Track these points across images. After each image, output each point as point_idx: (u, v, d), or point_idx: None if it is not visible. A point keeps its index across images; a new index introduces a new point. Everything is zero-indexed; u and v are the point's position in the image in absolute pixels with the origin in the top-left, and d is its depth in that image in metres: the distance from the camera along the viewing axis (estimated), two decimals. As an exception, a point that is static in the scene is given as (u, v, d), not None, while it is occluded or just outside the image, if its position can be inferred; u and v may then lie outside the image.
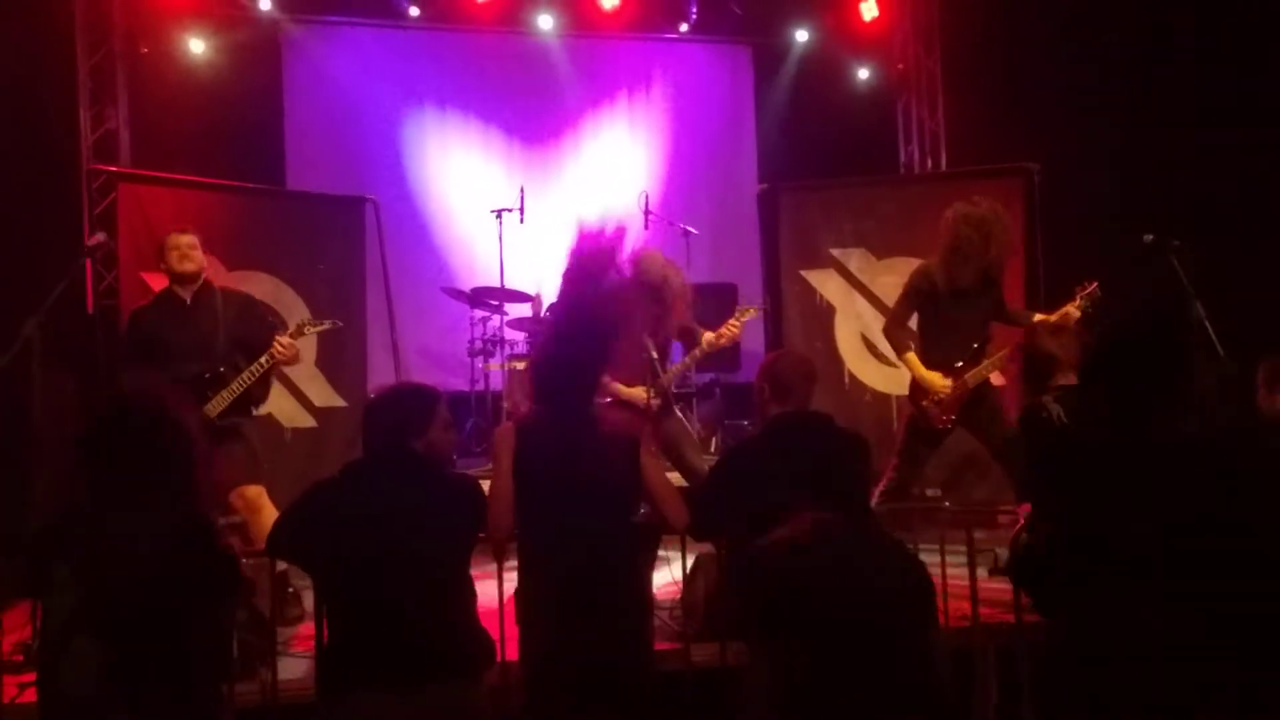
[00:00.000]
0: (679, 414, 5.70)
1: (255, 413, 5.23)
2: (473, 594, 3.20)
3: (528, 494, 3.38)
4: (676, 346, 5.73)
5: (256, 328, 5.16)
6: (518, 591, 3.43)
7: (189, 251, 5.09)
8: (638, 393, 5.31)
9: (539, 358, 3.64)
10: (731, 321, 5.51)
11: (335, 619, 3.13)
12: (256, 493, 5.00)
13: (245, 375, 4.95)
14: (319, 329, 5.29)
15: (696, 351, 5.52)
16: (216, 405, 4.91)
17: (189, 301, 5.07)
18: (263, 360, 4.95)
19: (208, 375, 4.94)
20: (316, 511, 3.16)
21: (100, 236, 5.39)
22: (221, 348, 5.01)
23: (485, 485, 3.41)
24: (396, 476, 3.13)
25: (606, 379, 5.29)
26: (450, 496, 3.19)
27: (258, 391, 5.12)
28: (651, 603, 3.62)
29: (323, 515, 3.13)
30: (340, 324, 5.57)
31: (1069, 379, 3.96)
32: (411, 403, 3.30)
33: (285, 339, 4.99)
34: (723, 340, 5.49)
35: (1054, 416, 3.82)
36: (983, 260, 5.30)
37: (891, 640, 2.55)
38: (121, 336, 5.40)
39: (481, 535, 3.36)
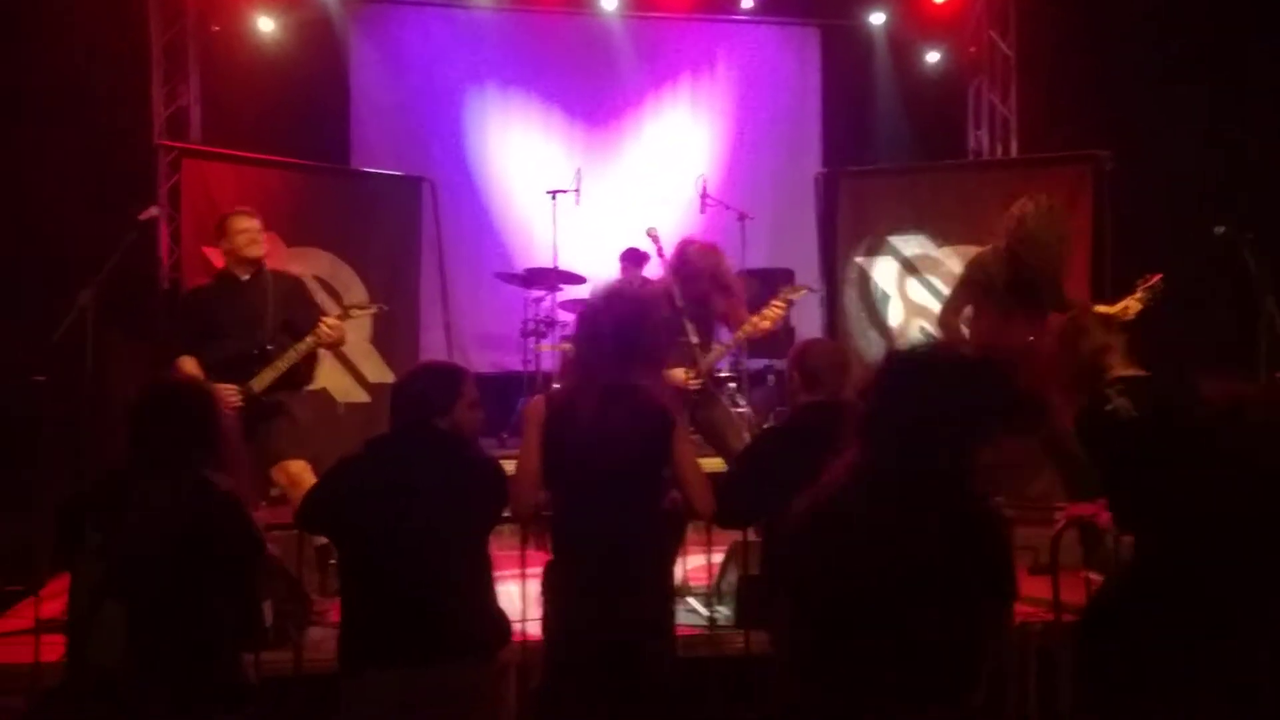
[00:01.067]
0: (725, 400, 5.66)
1: (304, 390, 5.33)
2: (489, 573, 3.20)
3: (555, 469, 3.37)
4: (726, 335, 5.67)
5: (304, 310, 5.23)
6: (547, 565, 3.45)
7: (258, 236, 5.17)
8: (676, 373, 5.27)
9: (576, 333, 3.63)
10: (775, 302, 5.39)
11: (353, 594, 3.15)
12: (300, 467, 5.08)
13: (291, 353, 5.03)
14: (366, 312, 5.35)
15: (739, 334, 5.44)
16: (261, 381, 4.99)
17: (244, 281, 5.16)
18: (308, 340, 5.02)
19: (255, 352, 5.02)
20: (339, 486, 3.20)
21: (153, 210, 5.49)
22: (270, 326, 5.08)
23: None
24: (418, 454, 3.14)
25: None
26: (471, 475, 3.18)
27: (304, 370, 5.21)
28: (673, 588, 3.60)
29: (345, 490, 3.17)
30: (386, 308, 5.61)
31: (1126, 369, 3.79)
32: (437, 381, 3.29)
33: (332, 320, 5.06)
34: (765, 323, 5.36)
35: (1121, 410, 3.61)
36: (1048, 258, 5.18)
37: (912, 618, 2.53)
38: (177, 311, 5.48)
39: (507, 513, 3.37)
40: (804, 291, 5.69)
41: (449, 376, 3.32)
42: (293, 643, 4.05)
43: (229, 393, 4.88)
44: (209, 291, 5.25)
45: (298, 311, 5.19)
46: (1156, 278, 5.15)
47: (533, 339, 7.71)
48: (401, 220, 7.28)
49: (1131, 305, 5.15)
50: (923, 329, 7.31)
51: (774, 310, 5.36)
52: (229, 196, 6.81)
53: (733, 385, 7.57)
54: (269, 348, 5.04)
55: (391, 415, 3.27)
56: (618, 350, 3.37)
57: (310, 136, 8.10)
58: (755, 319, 5.37)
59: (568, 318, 7.81)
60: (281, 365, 5.04)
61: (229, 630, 2.98)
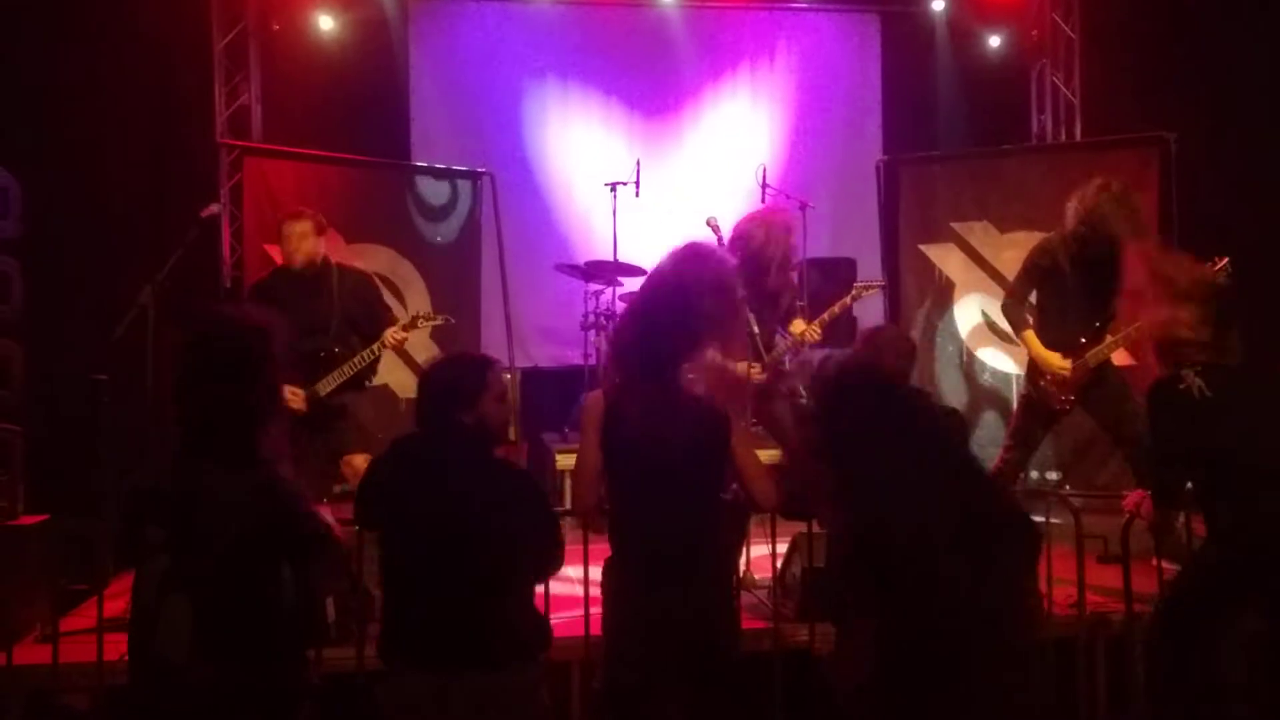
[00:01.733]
0: (789, 392, 5.58)
1: (368, 385, 5.38)
2: (525, 575, 3.10)
3: (615, 465, 3.32)
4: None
5: (370, 308, 5.27)
6: (606, 562, 3.42)
7: (299, 243, 5.20)
8: (739, 366, 5.21)
9: (618, 329, 3.59)
10: (843, 301, 5.55)
11: (389, 592, 3.14)
12: (365, 460, 5.12)
13: (356, 359, 5.10)
14: (433, 323, 5.37)
15: (803, 333, 5.40)
16: (326, 385, 5.07)
17: (306, 278, 5.19)
18: (374, 348, 5.08)
19: (321, 354, 5.08)
20: (372, 485, 3.18)
21: (215, 208, 5.55)
22: (335, 327, 5.14)
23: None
24: (441, 451, 3.07)
25: (710, 351, 5.17)
26: (493, 475, 3.10)
27: (367, 370, 5.26)
28: (737, 581, 3.56)
29: (373, 489, 3.16)
30: (453, 320, 5.62)
31: (1209, 356, 3.73)
32: (462, 372, 3.17)
33: (398, 332, 5.13)
34: (824, 323, 5.44)
35: (1193, 389, 3.61)
36: (1119, 238, 5.05)
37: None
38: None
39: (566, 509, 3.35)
40: (875, 290, 5.66)
41: (475, 368, 3.20)
42: (355, 639, 4.07)
43: (293, 395, 4.94)
44: (268, 288, 5.28)
45: (363, 310, 5.24)
46: (1224, 262, 5.04)
47: (593, 332, 7.70)
48: (462, 214, 7.30)
49: None
50: (985, 315, 7.21)
51: (835, 310, 5.48)
52: (289, 193, 6.90)
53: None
54: (336, 350, 5.09)
55: (417, 409, 3.18)
56: (659, 350, 3.23)
57: (370, 133, 8.16)
58: (814, 324, 5.43)
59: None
60: (347, 370, 5.10)
61: (290, 625, 2.95)
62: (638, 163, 7.50)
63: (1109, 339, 5.09)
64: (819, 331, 5.43)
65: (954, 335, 7.28)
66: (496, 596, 2.99)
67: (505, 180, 7.70)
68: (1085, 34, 8.32)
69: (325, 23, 8.14)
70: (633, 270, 7.67)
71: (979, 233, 7.27)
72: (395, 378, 7.02)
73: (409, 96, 8.57)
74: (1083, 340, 5.14)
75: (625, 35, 8.86)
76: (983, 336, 7.19)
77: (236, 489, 2.87)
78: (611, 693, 3.31)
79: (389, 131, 8.40)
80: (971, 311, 7.27)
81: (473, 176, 7.41)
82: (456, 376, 3.14)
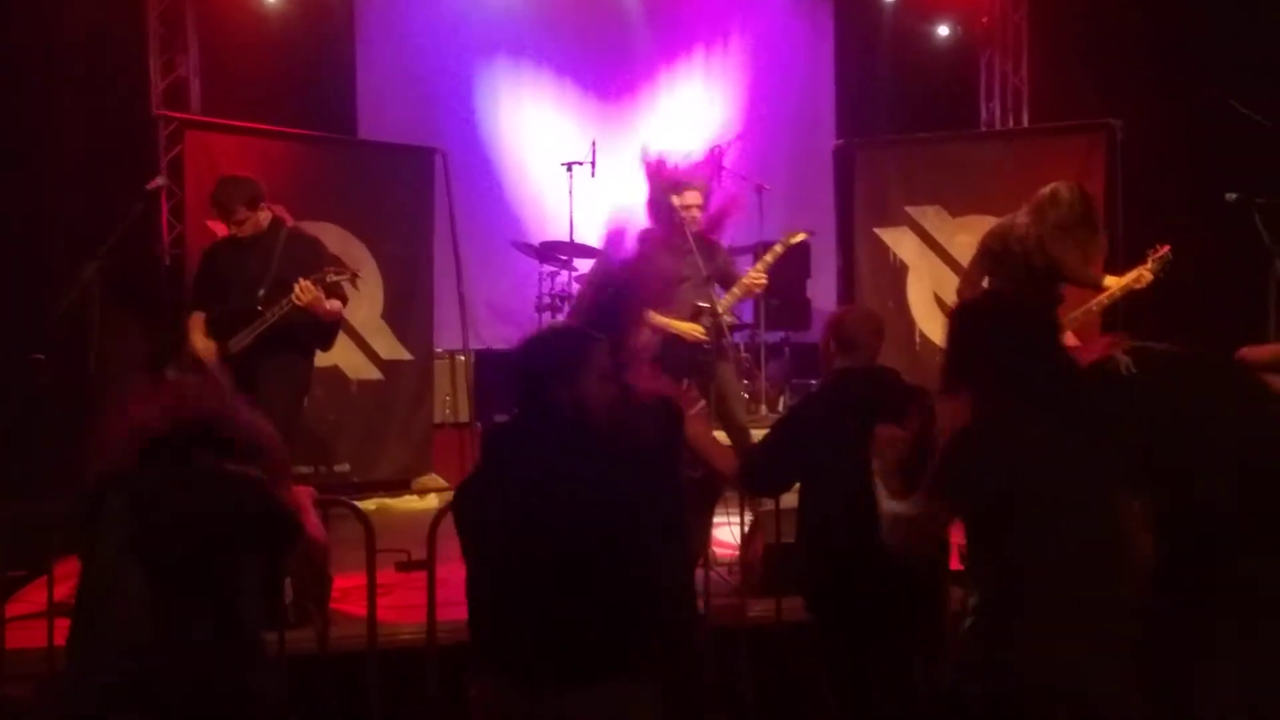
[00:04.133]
0: (734, 364, 5.64)
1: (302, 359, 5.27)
2: (627, 576, 2.64)
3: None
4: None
5: (309, 270, 5.05)
6: None
7: (240, 224, 5.13)
8: (688, 326, 5.24)
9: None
10: (775, 247, 5.50)
11: (470, 593, 2.81)
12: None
13: (268, 314, 4.95)
14: (340, 279, 5.21)
15: (737, 289, 5.45)
16: (239, 341, 4.98)
17: (248, 240, 5.11)
18: (283, 302, 4.92)
19: (239, 310, 4.99)
20: (467, 486, 2.89)
21: (159, 181, 5.39)
22: (266, 286, 5.01)
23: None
24: (536, 439, 2.73)
25: (651, 315, 4.92)
26: (598, 463, 2.69)
27: (311, 337, 5.17)
28: (695, 556, 3.50)
29: (470, 481, 2.88)
30: (359, 274, 5.45)
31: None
32: (559, 347, 2.84)
33: (304, 282, 4.93)
34: (763, 270, 5.45)
35: (1123, 366, 3.70)
36: (1069, 248, 5.09)
37: None
38: (198, 266, 5.47)
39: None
40: (801, 236, 5.70)
41: (574, 341, 2.86)
42: (314, 622, 3.98)
43: (205, 349, 5.01)
44: (221, 247, 5.28)
45: (300, 272, 5.03)
46: (1165, 249, 5.13)
47: (548, 313, 7.61)
48: (413, 193, 7.16)
49: (1144, 275, 5.14)
50: (937, 297, 7.25)
51: (775, 252, 5.49)
52: (234, 169, 6.68)
53: (747, 356, 7.53)
54: (259, 309, 4.97)
55: (516, 389, 2.81)
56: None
57: (315, 107, 7.98)
58: (758, 267, 5.50)
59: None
60: (258, 326, 4.96)
61: (253, 608, 2.86)
62: (593, 143, 7.43)
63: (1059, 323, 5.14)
64: (763, 276, 5.44)
65: (906, 317, 7.31)
66: (604, 602, 2.59)
67: (457, 159, 7.55)
68: (1033, 22, 8.42)
69: (267, -10, 7.93)
70: (589, 251, 7.60)
71: (932, 217, 7.30)
72: (345, 359, 6.88)
73: (355, 71, 8.41)
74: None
75: (579, 14, 8.79)
76: (935, 318, 7.22)
77: (202, 475, 2.81)
78: None
79: (335, 107, 8.23)
80: (924, 294, 7.31)
81: (424, 154, 7.26)
82: (553, 351, 2.81)
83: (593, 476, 2.63)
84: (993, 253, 5.29)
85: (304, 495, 3.24)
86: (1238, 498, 3.00)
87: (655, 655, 2.66)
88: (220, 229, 6.57)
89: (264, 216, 5.16)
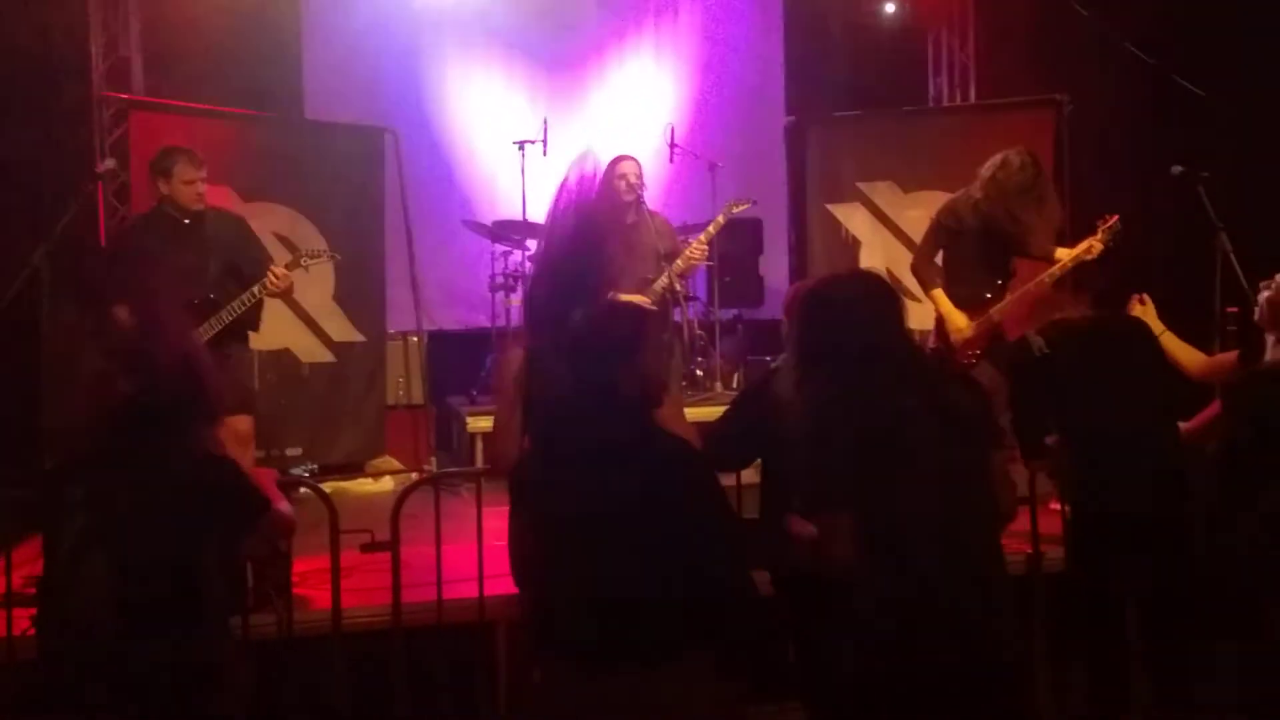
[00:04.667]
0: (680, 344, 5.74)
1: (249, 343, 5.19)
2: (693, 553, 2.57)
3: (536, 424, 3.24)
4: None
5: (248, 253, 5.02)
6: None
7: (203, 189, 4.98)
8: (638, 298, 5.34)
9: (531, 286, 3.37)
10: (718, 218, 5.73)
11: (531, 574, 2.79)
12: (247, 424, 4.91)
13: (236, 304, 4.84)
14: (315, 262, 5.15)
15: (680, 261, 5.58)
16: (205, 332, 4.78)
17: (186, 223, 4.93)
18: (254, 290, 4.83)
19: (197, 301, 4.79)
20: (529, 455, 2.89)
21: (109, 163, 5.29)
22: (213, 273, 4.88)
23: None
24: (591, 415, 2.68)
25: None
26: (659, 439, 2.68)
27: (251, 318, 5.03)
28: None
29: (528, 463, 2.86)
30: (338, 256, 5.40)
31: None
32: (614, 322, 2.80)
33: (280, 270, 4.86)
34: (705, 241, 5.64)
35: (1035, 348, 3.86)
36: (1017, 215, 5.16)
37: None
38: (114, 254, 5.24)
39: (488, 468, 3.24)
40: (744, 205, 5.86)
41: (630, 316, 2.85)
42: (275, 606, 3.95)
43: None
44: (146, 234, 4.98)
45: (242, 254, 4.98)
46: (1114, 219, 5.21)
47: (501, 293, 7.59)
48: (363, 173, 7.09)
49: (1094, 245, 5.21)
50: (890, 272, 7.31)
51: (716, 225, 5.75)
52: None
53: (701, 334, 7.56)
54: (211, 296, 4.82)
55: (569, 367, 2.76)
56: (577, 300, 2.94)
57: (261, 87, 7.78)
58: (700, 238, 5.68)
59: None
60: (226, 316, 4.85)
61: (215, 592, 2.83)
62: (545, 121, 7.40)
63: (1010, 296, 5.23)
64: (704, 246, 5.63)
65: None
66: (662, 582, 2.54)
67: (407, 138, 7.47)
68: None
69: (210, -31, 7.77)
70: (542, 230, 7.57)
71: (884, 192, 7.37)
72: (297, 341, 6.83)
73: (302, 50, 8.26)
74: (988, 296, 5.25)
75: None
76: (889, 294, 7.30)
77: (165, 454, 2.76)
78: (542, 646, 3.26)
79: (281, 86, 8.06)
80: (877, 269, 7.36)
81: (374, 133, 7.19)
82: (609, 327, 2.78)
83: (660, 452, 2.64)
84: (946, 227, 5.36)
85: (266, 478, 3.22)
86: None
87: (718, 636, 2.61)
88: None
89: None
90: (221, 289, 4.88)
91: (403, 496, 3.74)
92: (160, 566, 2.70)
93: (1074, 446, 3.91)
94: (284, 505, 3.11)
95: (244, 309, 4.86)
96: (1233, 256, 5.29)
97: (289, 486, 3.71)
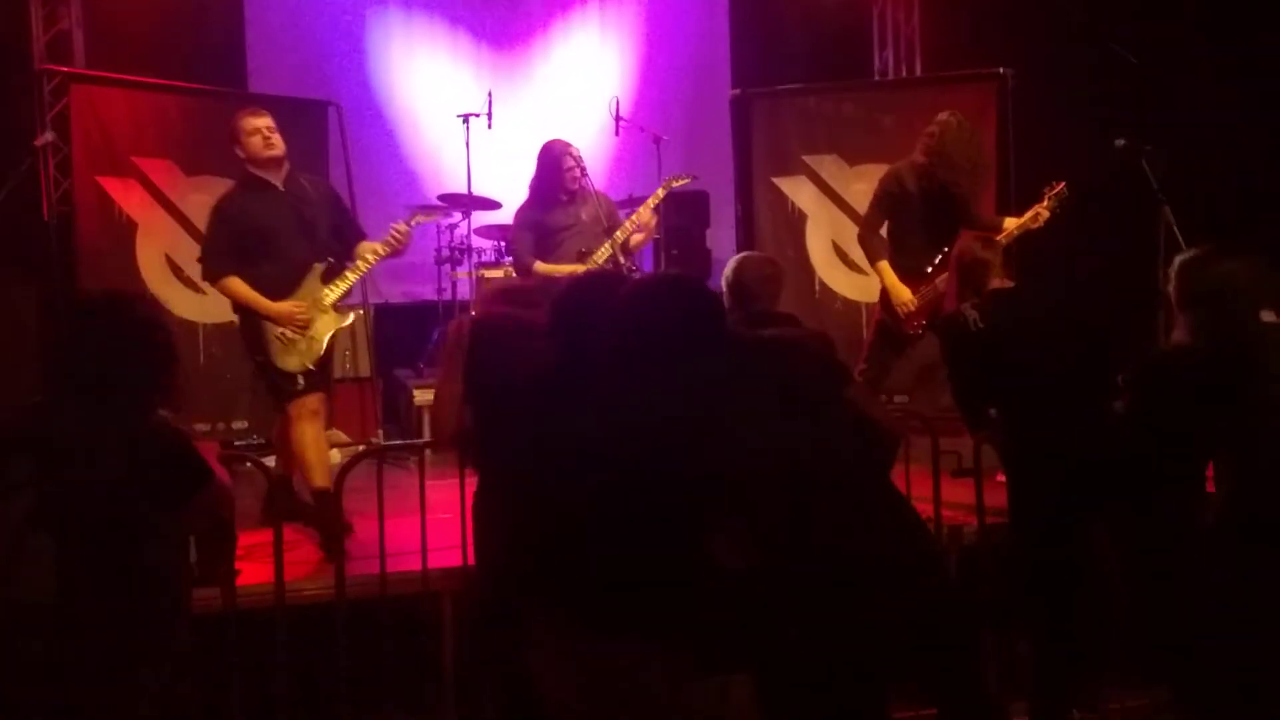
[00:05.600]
0: None
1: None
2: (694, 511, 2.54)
3: (480, 394, 3.27)
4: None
5: (346, 215, 5.05)
6: (475, 494, 3.39)
7: (270, 136, 4.78)
8: (571, 269, 5.43)
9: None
10: (658, 190, 5.83)
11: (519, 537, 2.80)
12: (317, 402, 4.83)
13: (361, 264, 4.85)
14: (430, 218, 5.29)
15: (619, 233, 5.63)
16: (331, 294, 4.76)
17: (282, 188, 4.80)
18: (379, 248, 4.83)
19: (317, 264, 4.75)
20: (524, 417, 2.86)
21: (49, 136, 5.22)
22: (323, 235, 4.80)
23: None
24: (583, 374, 2.74)
25: (537, 264, 5.63)
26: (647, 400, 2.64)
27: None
28: None
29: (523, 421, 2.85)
30: (454, 214, 5.48)
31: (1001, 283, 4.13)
32: (596, 287, 2.90)
33: (402, 226, 4.86)
34: (645, 213, 5.72)
35: (970, 322, 3.92)
36: (960, 177, 5.27)
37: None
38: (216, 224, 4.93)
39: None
40: (684, 180, 5.98)
41: (611, 282, 2.94)
42: (219, 579, 3.95)
43: (297, 310, 4.66)
44: (246, 200, 4.80)
45: (341, 216, 4.97)
46: (1061, 185, 5.30)
47: (447, 266, 7.57)
48: (308, 146, 7.02)
49: (1041, 213, 5.30)
50: (835, 245, 7.38)
51: (655, 198, 5.81)
52: (122, 123, 6.53)
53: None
54: (330, 259, 4.78)
55: (550, 337, 2.85)
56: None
57: (204, 60, 7.72)
58: (638, 213, 5.75)
59: (482, 244, 7.69)
60: (352, 276, 4.83)
61: (163, 566, 2.83)
62: (489, 94, 7.36)
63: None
64: (647, 216, 5.75)
65: (806, 266, 7.42)
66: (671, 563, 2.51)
67: (352, 112, 7.45)
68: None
69: (152, -60, 7.66)
70: (487, 203, 7.57)
71: (829, 165, 7.41)
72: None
73: (245, 23, 8.17)
74: (932, 266, 5.32)
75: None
76: (834, 266, 7.36)
77: (110, 426, 2.74)
78: (487, 615, 3.31)
79: (224, 59, 7.99)
80: (823, 242, 7.43)
81: (317, 107, 7.13)
82: (591, 293, 2.87)
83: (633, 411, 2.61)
84: (891, 195, 5.43)
85: (208, 451, 3.21)
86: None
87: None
88: (112, 186, 6.45)
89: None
90: (333, 251, 4.82)
91: (344, 470, 3.76)
92: (103, 539, 2.69)
93: (1012, 418, 3.98)
94: (224, 478, 3.12)
95: (368, 268, 4.89)
96: (1176, 229, 5.40)
97: (232, 460, 3.70)
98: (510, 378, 2.99)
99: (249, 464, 4.06)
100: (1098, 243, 6.82)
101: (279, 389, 4.73)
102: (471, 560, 3.54)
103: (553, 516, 2.61)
